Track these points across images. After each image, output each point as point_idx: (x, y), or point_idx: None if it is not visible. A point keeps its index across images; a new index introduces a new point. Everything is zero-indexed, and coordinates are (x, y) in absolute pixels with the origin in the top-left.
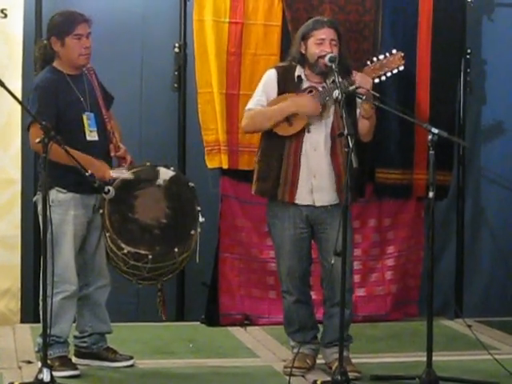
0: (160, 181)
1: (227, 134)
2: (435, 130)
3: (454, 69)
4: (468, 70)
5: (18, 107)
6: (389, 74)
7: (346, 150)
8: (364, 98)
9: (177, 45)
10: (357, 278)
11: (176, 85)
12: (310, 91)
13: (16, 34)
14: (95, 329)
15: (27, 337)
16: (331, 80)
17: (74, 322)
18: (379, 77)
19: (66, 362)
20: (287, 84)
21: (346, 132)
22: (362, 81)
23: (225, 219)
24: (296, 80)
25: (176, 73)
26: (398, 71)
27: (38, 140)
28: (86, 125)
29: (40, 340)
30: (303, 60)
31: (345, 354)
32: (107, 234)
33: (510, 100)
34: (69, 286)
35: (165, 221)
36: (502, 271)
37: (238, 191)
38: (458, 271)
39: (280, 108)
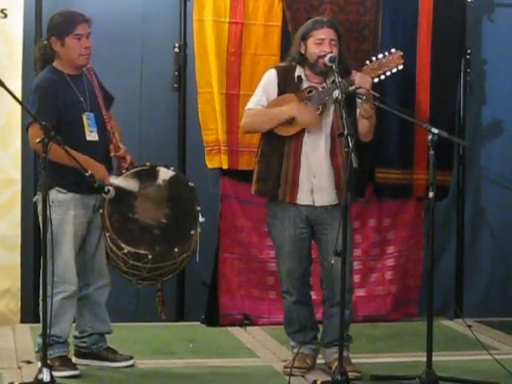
0: (160, 181)
1: (227, 134)
2: (435, 130)
3: (454, 69)
4: (468, 70)
5: (18, 107)
6: (388, 74)
7: (346, 150)
8: (364, 98)
9: (177, 45)
10: (357, 278)
11: (176, 85)
12: (310, 91)
13: (16, 34)
14: (95, 329)
15: (27, 337)
16: (331, 80)
17: (73, 322)
18: (378, 76)
19: (65, 362)
20: (287, 84)
21: (345, 132)
22: (362, 80)
23: (225, 219)
24: (296, 80)
25: (176, 73)
26: (398, 71)
27: (37, 140)
28: (85, 125)
29: (40, 340)
30: (303, 60)
31: (345, 354)
32: (107, 234)
33: (510, 100)
34: (69, 286)
35: (165, 221)
36: (502, 271)
37: (237, 191)
38: (458, 271)
39: (281, 111)
